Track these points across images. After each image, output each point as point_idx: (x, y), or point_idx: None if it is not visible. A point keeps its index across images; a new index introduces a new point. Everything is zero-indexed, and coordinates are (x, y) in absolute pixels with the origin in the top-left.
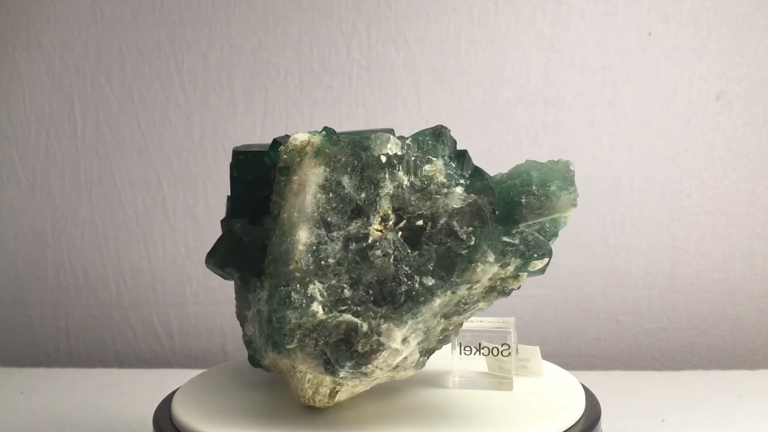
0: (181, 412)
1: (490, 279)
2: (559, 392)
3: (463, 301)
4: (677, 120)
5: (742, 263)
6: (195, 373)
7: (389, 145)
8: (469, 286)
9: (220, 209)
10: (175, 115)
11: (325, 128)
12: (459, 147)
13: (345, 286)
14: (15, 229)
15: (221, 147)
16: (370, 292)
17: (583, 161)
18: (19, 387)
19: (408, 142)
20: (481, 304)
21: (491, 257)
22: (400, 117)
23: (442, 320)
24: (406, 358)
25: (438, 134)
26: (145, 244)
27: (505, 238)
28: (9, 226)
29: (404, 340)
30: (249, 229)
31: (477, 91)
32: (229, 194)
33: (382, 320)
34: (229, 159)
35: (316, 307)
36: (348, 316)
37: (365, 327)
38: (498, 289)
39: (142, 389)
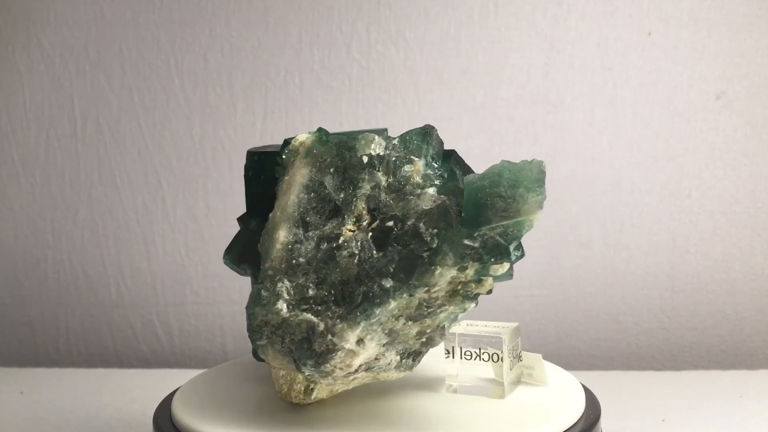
0: (181, 412)
1: (450, 283)
2: (559, 392)
3: (425, 304)
4: (677, 120)
5: (742, 263)
6: (195, 373)
7: (373, 146)
8: (426, 289)
9: (220, 209)
10: (175, 115)
11: (319, 129)
12: (458, 147)
13: (311, 285)
14: (15, 229)
15: (221, 147)
16: (332, 292)
17: (583, 161)
18: (19, 387)
19: (395, 142)
20: (451, 308)
21: (450, 260)
22: (400, 117)
23: (411, 323)
24: (377, 359)
25: (424, 134)
26: (145, 244)
27: (466, 241)
28: (9, 226)
29: (359, 342)
30: (261, 228)
31: (477, 91)
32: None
33: (338, 320)
34: (229, 159)
35: (281, 305)
36: (308, 315)
37: (321, 327)
38: (462, 294)
39: (142, 389)
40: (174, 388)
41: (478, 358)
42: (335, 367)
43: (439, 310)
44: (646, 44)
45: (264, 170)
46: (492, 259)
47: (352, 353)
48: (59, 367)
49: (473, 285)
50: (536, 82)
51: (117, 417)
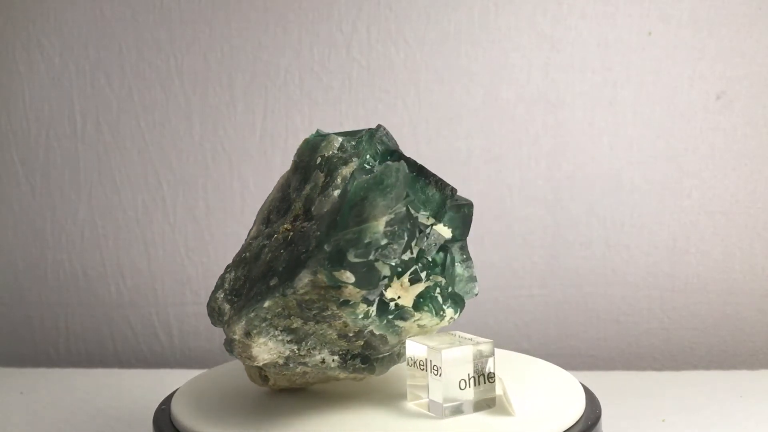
0: (181, 412)
1: (316, 287)
2: (559, 392)
3: (306, 306)
4: (677, 120)
5: (742, 263)
6: (195, 373)
7: (330, 146)
8: (293, 291)
9: (220, 209)
10: (175, 115)
11: (317, 131)
12: (458, 147)
13: (241, 278)
14: (15, 229)
15: (221, 147)
16: (247, 285)
17: (583, 161)
18: (19, 387)
19: (352, 143)
20: (346, 313)
21: (312, 264)
22: (400, 117)
23: (313, 324)
24: (303, 356)
25: (370, 134)
26: (145, 244)
27: (325, 246)
28: (9, 226)
29: (247, 335)
30: None
31: (477, 91)
32: None
33: (233, 313)
34: (229, 159)
35: (219, 294)
36: (227, 305)
37: (227, 317)
38: (334, 299)
39: (142, 389)
40: (174, 388)
41: (429, 370)
42: (240, 355)
43: (334, 314)
44: (646, 44)
45: None
46: (329, 266)
47: (245, 345)
48: (59, 367)
49: (334, 291)
50: (536, 82)
51: (117, 417)
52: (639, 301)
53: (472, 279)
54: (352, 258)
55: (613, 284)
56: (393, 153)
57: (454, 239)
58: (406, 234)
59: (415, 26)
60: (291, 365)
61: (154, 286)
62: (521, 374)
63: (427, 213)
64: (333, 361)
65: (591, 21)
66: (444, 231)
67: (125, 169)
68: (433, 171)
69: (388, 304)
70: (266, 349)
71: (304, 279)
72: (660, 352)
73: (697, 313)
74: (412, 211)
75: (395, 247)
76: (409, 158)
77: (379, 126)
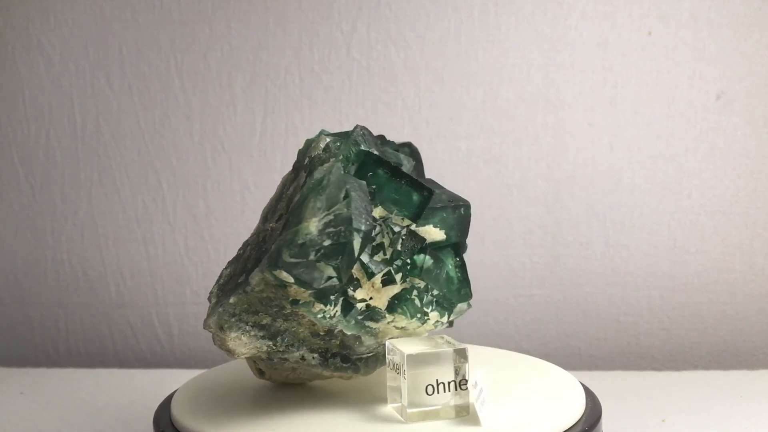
0: (181, 412)
1: (267, 285)
2: (559, 392)
3: (267, 303)
4: (677, 120)
5: (742, 263)
6: (195, 373)
7: (318, 147)
8: (250, 288)
9: (220, 209)
10: (175, 115)
11: (321, 131)
12: (458, 147)
13: (230, 274)
14: (15, 229)
15: (221, 147)
16: (230, 281)
17: (583, 161)
18: (19, 387)
19: (337, 143)
20: (302, 312)
21: (261, 263)
22: (400, 117)
23: (282, 321)
24: (282, 351)
25: (348, 135)
26: (145, 244)
27: (272, 246)
28: (9, 226)
29: (220, 329)
30: None
31: (477, 91)
32: None
33: (210, 307)
34: (229, 159)
35: (214, 288)
36: (214, 300)
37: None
38: (284, 298)
39: (142, 389)
40: (174, 388)
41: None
42: (220, 348)
43: (294, 312)
44: (646, 44)
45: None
46: (267, 265)
47: (221, 338)
48: (59, 367)
49: (282, 290)
50: (536, 82)
51: (117, 417)
52: (639, 301)
53: (464, 284)
54: (287, 258)
55: (613, 284)
56: (367, 154)
57: (447, 241)
58: (356, 234)
59: (415, 26)
60: (275, 360)
61: (154, 286)
62: (521, 374)
63: (402, 214)
64: (313, 358)
65: (591, 21)
66: (434, 233)
67: (125, 169)
68: (433, 171)
69: (353, 305)
70: (241, 344)
71: (256, 277)
72: (660, 352)
73: (697, 313)
74: (386, 212)
75: (339, 247)
76: (383, 159)
77: (356, 126)
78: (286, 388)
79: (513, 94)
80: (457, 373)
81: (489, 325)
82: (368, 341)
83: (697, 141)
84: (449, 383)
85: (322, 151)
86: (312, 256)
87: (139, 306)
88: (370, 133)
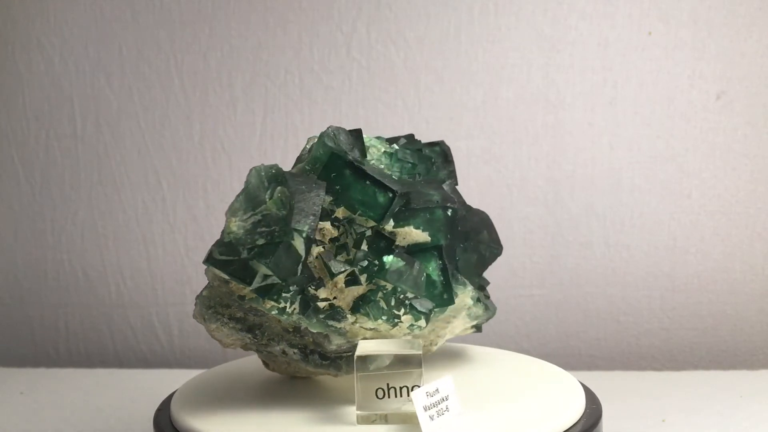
0: (181, 412)
1: (217, 280)
2: (559, 392)
3: (228, 297)
4: (677, 120)
5: (743, 263)
6: (195, 373)
7: (305, 149)
8: (210, 282)
9: (220, 209)
10: (175, 115)
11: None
12: (458, 147)
13: None
14: (15, 229)
15: (221, 147)
16: None
17: (583, 161)
18: (19, 387)
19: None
20: (261, 304)
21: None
22: (400, 117)
23: (253, 316)
24: (266, 344)
25: (320, 136)
26: (145, 244)
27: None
28: (9, 226)
29: (204, 319)
30: None
31: (477, 91)
32: None
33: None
34: (229, 159)
35: None
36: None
37: None
38: (232, 293)
39: (142, 389)
40: (174, 388)
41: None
42: (212, 337)
43: (251, 308)
44: (646, 44)
45: None
46: (204, 261)
47: (209, 328)
48: (59, 367)
49: (227, 286)
50: (536, 82)
51: (117, 417)
52: (639, 301)
53: (447, 288)
54: (216, 255)
55: (613, 284)
56: (332, 154)
57: (432, 243)
58: (296, 235)
59: (415, 26)
60: (264, 352)
61: (154, 286)
62: (521, 374)
63: (367, 215)
64: (294, 353)
65: (591, 21)
66: (416, 234)
67: (125, 169)
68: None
69: (309, 303)
70: (223, 334)
71: (209, 273)
72: (660, 352)
73: (697, 313)
74: (349, 213)
75: (273, 247)
76: (348, 160)
77: (329, 127)
78: (287, 388)
79: (513, 94)
80: (408, 378)
81: (489, 325)
82: (337, 340)
83: (697, 141)
84: (401, 388)
85: (307, 152)
86: (244, 254)
87: (139, 306)
88: (346, 133)
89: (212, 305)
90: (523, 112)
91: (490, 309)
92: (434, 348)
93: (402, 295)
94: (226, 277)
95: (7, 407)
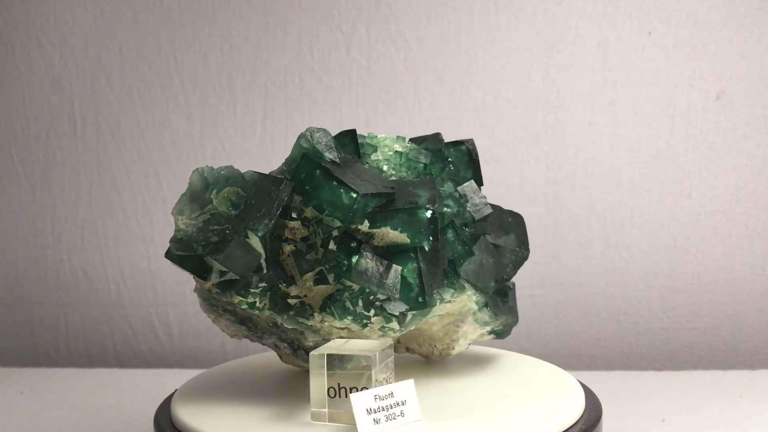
0: (181, 412)
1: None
2: (559, 392)
3: (213, 294)
4: (677, 120)
5: (742, 263)
6: (195, 373)
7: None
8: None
9: None
10: (175, 115)
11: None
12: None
13: None
14: (15, 229)
15: (221, 147)
16: None
17: (583, 161)
18: (19, 387)
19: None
20: (220, 298)
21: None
22: (400, 117)
23: (245, 310)
24: (260, 337)
25: (299, 137)
26: (145, 244)
27: None
28: (9, 226)
29: (205, 310)
30: None
31: (477, 91)
32: None
33: None
34: (229, 159)
35: None
36: None
37: None
38: (203, 286)
39: (142, 389)
40: (174, 388)
41: None
42: (215, 323)
43: (228, 301)
44: (646, 44)
45: None
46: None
47: (210, 318)
48: (59, 367)
49: (195, 279)
50: (536, 82)
51: (117, 417)
52: (639, 301)
53: (421, 292)
54: (174, 250)
55: (613, 284)
56: (303, 155)
57: (411, 245)
58: (251, 233)
59: (415, 26)
60: (263, 344)
61: (154, 286)
62: (521, 374)
63: (334, 216)
64: (285, 347)
65: (591, 21)
66: (393, 235)
67: (125, 169)
68: None
69: (281, 300)
70: (223, 325)
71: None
72: (660, 352)
73: (697, 313)
74: (317, 213)
75: (224, 245)
76: (317, 161)
77: (308, 128)
78: (287, 387)
79: (513, 94)
80: (359, 380)
81: None
82: (312, 337)
83: (697, 141)
84: (351, 389)
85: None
86: (200, 251)
87: (139, 306)
88: (325, 133)
89: (207, 297)
90: (523, 112)
91: (503, 315)
92: (453, 352)
93: (371, 296)
94: (186, 271)
95: (7, 407)
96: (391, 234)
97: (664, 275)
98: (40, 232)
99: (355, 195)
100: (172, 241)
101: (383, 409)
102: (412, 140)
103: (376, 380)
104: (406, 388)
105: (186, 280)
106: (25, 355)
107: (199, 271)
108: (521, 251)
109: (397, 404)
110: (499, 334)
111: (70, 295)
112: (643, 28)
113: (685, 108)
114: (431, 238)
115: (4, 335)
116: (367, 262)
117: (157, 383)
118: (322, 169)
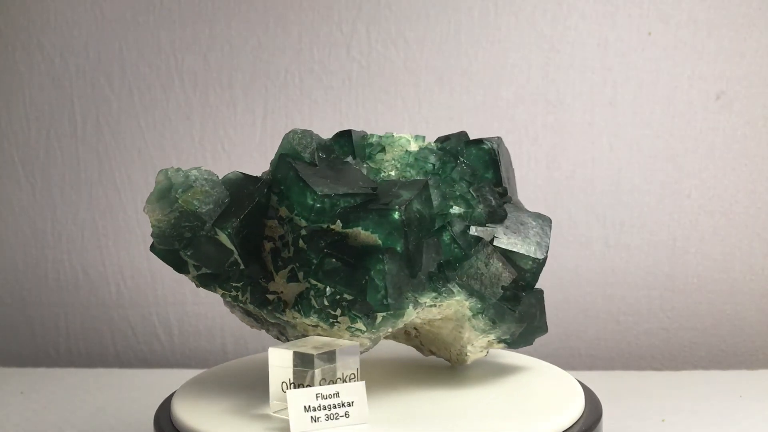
0: (181, 412)
1: None
2: (559, 392)
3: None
4: (677, 120)
5: (742, 263)
6: (195, 373)
7: None
8: None
9: None
10: (175, 115)
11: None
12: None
13: None
14: (15, 229)
15: (221, 147)
16: None
17: (583, 161)
18: (19, 387)
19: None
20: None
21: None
22: (400, 117)
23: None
24: (266, 329)
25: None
26: (145, 244)
27: None
28: (9, 226)
29: (222, 296)
30: None
31: (477, 91)
32: None
33: None
34: (228, 159)
35: None
36: None
37: None
38: None
39: (142, 389)
40: (174, 388)
41: None
42: (233, 314)
43: (213, 292)
44: (646, 44)
45: None
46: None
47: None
48: (59, 367)
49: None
50: (536, 82)
51: (117, 417)
52: (639, 301)
53: (388, 293)
54: (157, 245)
55: (613, 284)
56: (280, 156)
57: (384, 246)
58: (219, 231)
59: (415, 26)
60: (272, 336)
61: (154, 286)
62: (521, 374)
63: (302, 216)
64: (287, 340)
65: (591, 21)
66: (365, 236)
67: (125, 169)
68: None
69: (260, 294)
70: (239, 317)
71: None
72: (660, 352)
73: (697, 313)
74: (289, 213)
75: (196, 240)
76: (291, 162)
77: (291, 130)
78: None
79: (513, 94)
80: (303, 377)
81: None
82: (292, 332)
83: (697, 141)
84: (298, 385)
85: None
86: (176, 245)
87: (139, 306)
88: (307, 134)
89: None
90: (523, 112)
91: (505, 324)
92: (467, 359)
93: (339, 296)
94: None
95: (7, 407)
96: (363, 235)
97: (664, 275)
98: (40, 232)
99: (315, 195)
100: (152, 236)
101: (324, 408)
102: (438, 139)
103: (323, 379)
104: (355, 390)
105: (186, 280)
106: (25, 355)
107: (178, 264)
108: (537, 256)
109: (342, 405)
110: (510, 343)
111: (70, 295)
112: (642, 28)
113: (684, 108)
114: (403, 240)
115: (4, 335)
116: (334, 262)
117: (157, 383)
118: (293, 170)
